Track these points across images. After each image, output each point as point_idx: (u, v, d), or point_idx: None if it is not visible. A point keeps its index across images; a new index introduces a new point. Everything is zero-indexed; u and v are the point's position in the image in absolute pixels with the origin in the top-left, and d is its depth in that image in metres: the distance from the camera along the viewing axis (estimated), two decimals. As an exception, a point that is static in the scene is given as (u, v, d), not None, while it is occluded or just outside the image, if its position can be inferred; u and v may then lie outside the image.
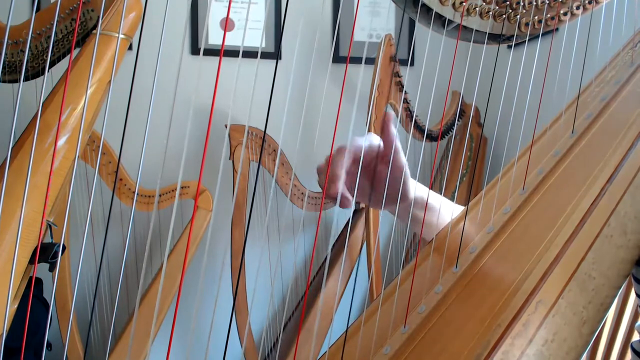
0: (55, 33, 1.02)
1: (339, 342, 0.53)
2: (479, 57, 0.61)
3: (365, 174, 0.58)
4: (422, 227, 0.60)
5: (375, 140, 0.56)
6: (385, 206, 0.61)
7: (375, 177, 0.58)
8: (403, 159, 0.57)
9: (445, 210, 0.64)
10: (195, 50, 1.75)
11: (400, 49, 1.84)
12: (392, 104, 1.51)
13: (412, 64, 1.82)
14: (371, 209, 1.48)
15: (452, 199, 1.67)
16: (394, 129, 0.56)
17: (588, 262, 0.45)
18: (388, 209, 0.62)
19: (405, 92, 1.51)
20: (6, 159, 0.94)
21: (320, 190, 1.65)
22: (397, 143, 0.56)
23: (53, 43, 1.02)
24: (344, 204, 0.52)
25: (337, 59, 1.86)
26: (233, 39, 1.78)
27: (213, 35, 1.76)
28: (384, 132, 0.56)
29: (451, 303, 0.50)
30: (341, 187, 0.52)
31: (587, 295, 0.44)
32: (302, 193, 1.60)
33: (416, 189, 0.62)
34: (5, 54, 1.00)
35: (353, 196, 0.55)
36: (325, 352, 0.53)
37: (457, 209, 0.66)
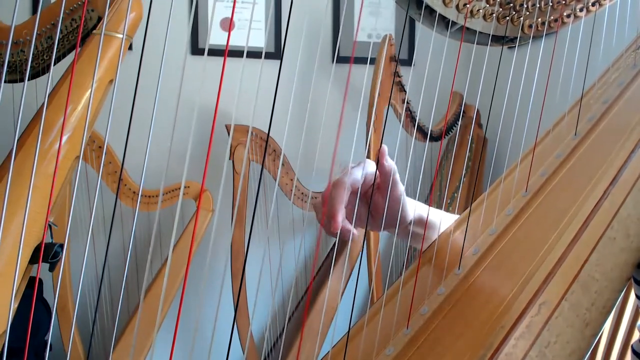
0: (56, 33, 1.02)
1: (342, 342, 0.54)
2: (481, 58, 0.61)
3: (362, 201, 0.57)
4: (422, 244, 0.60)
5: (371, 168, 0.56)
6: (384, 229, 0.60)
7: (372, 205, 0.57)
8: (401, 188, 0.57)
9: (445, 224, 0.64)
10: (195, 50, 1.75)
11: (401, 50, 1.84)
12: (393, 105, 1.51)
13: (413, 64, 1.83)
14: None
15: (452, 199, 1.67)
16: (390, 161, 0.55)
17: (591, 264, 0.45)
18: (387, 231, 0.62)
19: (406, 93, 1.51)
20: (7, 159, 0.94)
21: (320, 190, 1.65)
22: (396, 176, 0.56)
23: (55, 43, 1.02)
24: (345, 237, 0.52)
25: (337, 59, 1.86)
26: (232, 39, 1.78)
27: (213, 36, 1.76)
28: (379, 165, 0.55)
29: (454, 304, 0.50)
30: (340, 222, 0.51)
31: (590, 297, 0.44)
32: (303, 194, 1.60)
33: (415, 209, 0.61)
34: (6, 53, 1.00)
35: (352, 225, 0.54)
36: (328, 352, 0.53)
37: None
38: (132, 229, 1.63)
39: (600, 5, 0.58)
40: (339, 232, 0.51)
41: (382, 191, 0.56)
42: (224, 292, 1.64)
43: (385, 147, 0.55)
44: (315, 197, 1.65)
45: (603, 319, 0.44)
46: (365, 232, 1.52)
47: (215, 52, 1.72)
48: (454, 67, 0.59)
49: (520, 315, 0.44)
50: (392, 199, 0.56)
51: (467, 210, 0.59)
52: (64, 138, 0.89)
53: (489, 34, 0.57)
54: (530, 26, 0.57)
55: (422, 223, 0.61)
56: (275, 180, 1.60)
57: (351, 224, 0.55)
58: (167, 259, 1.56)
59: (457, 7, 0.53)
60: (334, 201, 0.52)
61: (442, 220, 0.63)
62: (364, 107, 1.59)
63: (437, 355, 0.47)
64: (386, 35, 1.45)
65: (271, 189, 1.68)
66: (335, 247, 1.71)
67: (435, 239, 0.59)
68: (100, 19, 1.01)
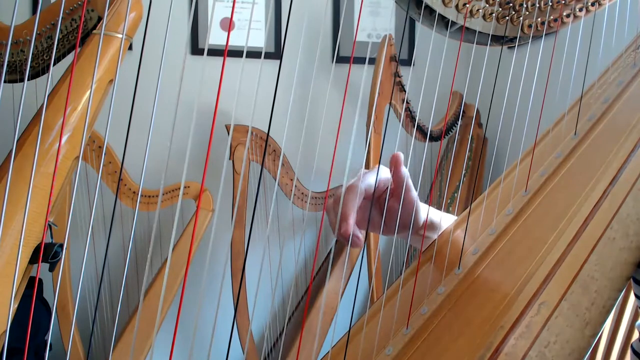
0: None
1: (342, 342, 0.54)
2: (481, 58, 0.61)
3: (375, 207, 0.58)
4: (421, 245, 0.60)
5: (385, 174, 0.56)
6: (397, 233, 0.61)
7: (387, 211, 0.58)
8: (414, 194, 0.57)
9: (446, 225, 0.64)
10: (195, 50, 1.75)
11: (401, 50, 1.84)
12: (393, 105, 1.51)
13: (412, 64, 1.83)
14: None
15: (452, 199, 1.67)
16: (404, 169, 0.56)
17: (591, 264, 0.45)
18: (400, 235, 0.62)
19: (406, 93, 1.51)
20: (7, 159, 0.94)
21: (320, 190, 1.65)
22: (409, 181, 0.56)
23: (55, 43, 1.02)
24: (355, 244, 0.51)
25: (337, 59, 1.86)
26: (232, 39, 1.78)
27: (213, 36, 1.76)
28: (394, 172, 0.56)
29: (454, 304, 0.50)
30: (352, 226, 0.51)
31: (590, 297, 0.44)
32: (303, 194, 1.60)
33: (428, 213, 0.61)
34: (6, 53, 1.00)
35: (365, 232, 0.55)
36: (328, 352, 0.53)
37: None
38: (132, 229, 1.64)
39: (600, 4, 0.58)
40: (350, 236, 0.51)
41: (396, 196, 0.57)
42: (224, 292, 1.64)
43: (400, 155, 0.55)
44: (316, 197, 1.65)
45: (603, 318, 0.44)
46: (366, 232, 1.52)
47: (215, 52, 1.72)
48: (454, 66, 0.59)
49: (520, 315, 0.44)
50: (405, 204, 0.57)
51: (467, 210, 0.59)
52: (64, 138, 0.89)
53: (489, 34, 0.57)
54: (529, 26, 0.57)
55: (432, 227, 0.62)
56: (275, 180, 1.60)
57: (363, 228, 0.55)
58: (167, 258, 1.57)
59: (456, 7, 0.53)
60: (346, 205, 0.52)
61: (444, 220, 0.63)
62: (363, 107, 1.59)
63: (436, 355, 0.47)
64: (386, 35, 1.45)
65: (271, 189, 1.68)
66: (333, 250, 1.71)
67: (435, 239, 0.59)
68: (100, 19, 1.01)
